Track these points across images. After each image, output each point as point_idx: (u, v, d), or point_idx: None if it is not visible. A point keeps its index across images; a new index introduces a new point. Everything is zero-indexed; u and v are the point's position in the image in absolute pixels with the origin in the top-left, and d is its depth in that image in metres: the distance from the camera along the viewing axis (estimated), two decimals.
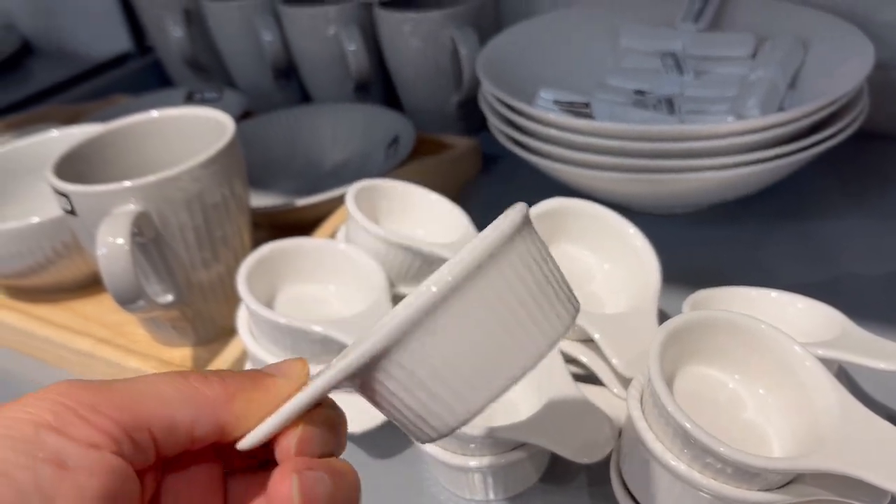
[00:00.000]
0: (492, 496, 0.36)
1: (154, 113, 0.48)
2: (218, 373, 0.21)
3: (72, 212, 0.41)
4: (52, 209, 0.46)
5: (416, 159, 0.61)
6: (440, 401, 0.20)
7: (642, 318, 0.37)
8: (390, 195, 0.47)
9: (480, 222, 0.40)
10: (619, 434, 0.33)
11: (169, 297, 0.44)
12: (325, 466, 0.20)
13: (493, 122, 0.54)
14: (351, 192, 0.44)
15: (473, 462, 0.34)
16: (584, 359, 0.38)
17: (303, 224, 0.53)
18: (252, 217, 0.50)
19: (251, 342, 0.40)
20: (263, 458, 0.22)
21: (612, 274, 0.42)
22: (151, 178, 0.40)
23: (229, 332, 0.45)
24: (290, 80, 0.79)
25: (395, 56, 0.69)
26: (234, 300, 0.41)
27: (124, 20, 0.95)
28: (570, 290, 0.22)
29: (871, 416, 0.27)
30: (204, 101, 0.74)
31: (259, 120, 0.69)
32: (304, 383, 0.22)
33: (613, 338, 0.35)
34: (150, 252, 0.42)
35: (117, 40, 0.97)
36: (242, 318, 0.41)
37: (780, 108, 0.53)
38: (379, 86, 0.75)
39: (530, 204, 0.31)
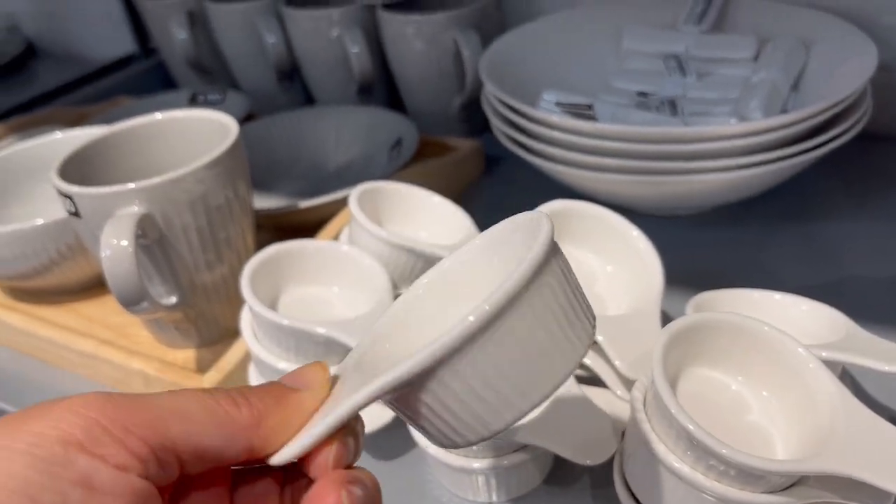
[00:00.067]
0: (495, 498, 0.36)
1: (158, 115, 0.48)
2: (244, 393, 0.21)
3: (76, 213, 0.41)
4: (56, 211, 0.46)
5: (419, 161, 0.61)
6: (490, 406, 0.21)
7: (645, 320, 0.37)
8: (393, 197, 0.47)
9: (483, 224, 0.40)
10: (623, 436, 0.33)
11: (172, 299, 0.44)
12: (361, 479, 0.21)
13: (496, 124, 0.54)
14: (354, 194, 0.44)
15: (476, 464, 0.34)
16: (587, 360, 0.38)
17: (306, 226, 0.53)
18: (255, 219, 0.50)
19: (254, 344, 0.40)
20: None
21: (616, 276, 0.42)
22: (155, 180, 0.40)
23: (233, 333, 0.45)
24: (293, 83, 0.79)
25: (398, 58, 0.69)
26: (237, 302, 0.42)
27: (128, 22, 0.96)
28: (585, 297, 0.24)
29: (874, 419, 0.27)
30: (207, 103, 0.74)
31: (262, 122, 0.69)
32: (328, 392, 0.22)
33: (616, 339, 0.35)
34: (154, 254, 0.43)
35: (121, 42, 0.98)
36: (246, 320, 0.41)
37: (784, 110, 0.53)
38: (382, 88, 0.75)
39: (533, 206, 0.31)
